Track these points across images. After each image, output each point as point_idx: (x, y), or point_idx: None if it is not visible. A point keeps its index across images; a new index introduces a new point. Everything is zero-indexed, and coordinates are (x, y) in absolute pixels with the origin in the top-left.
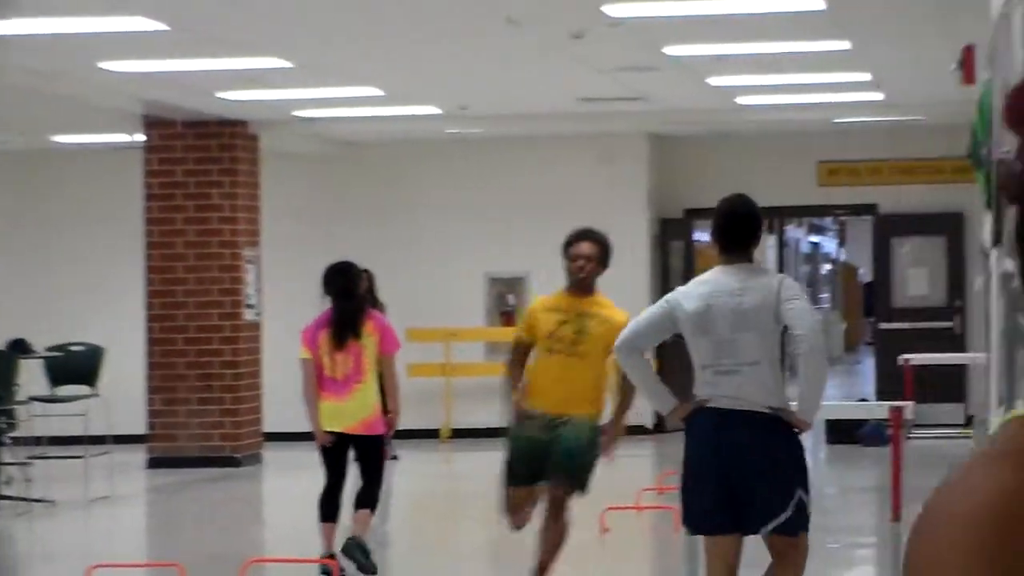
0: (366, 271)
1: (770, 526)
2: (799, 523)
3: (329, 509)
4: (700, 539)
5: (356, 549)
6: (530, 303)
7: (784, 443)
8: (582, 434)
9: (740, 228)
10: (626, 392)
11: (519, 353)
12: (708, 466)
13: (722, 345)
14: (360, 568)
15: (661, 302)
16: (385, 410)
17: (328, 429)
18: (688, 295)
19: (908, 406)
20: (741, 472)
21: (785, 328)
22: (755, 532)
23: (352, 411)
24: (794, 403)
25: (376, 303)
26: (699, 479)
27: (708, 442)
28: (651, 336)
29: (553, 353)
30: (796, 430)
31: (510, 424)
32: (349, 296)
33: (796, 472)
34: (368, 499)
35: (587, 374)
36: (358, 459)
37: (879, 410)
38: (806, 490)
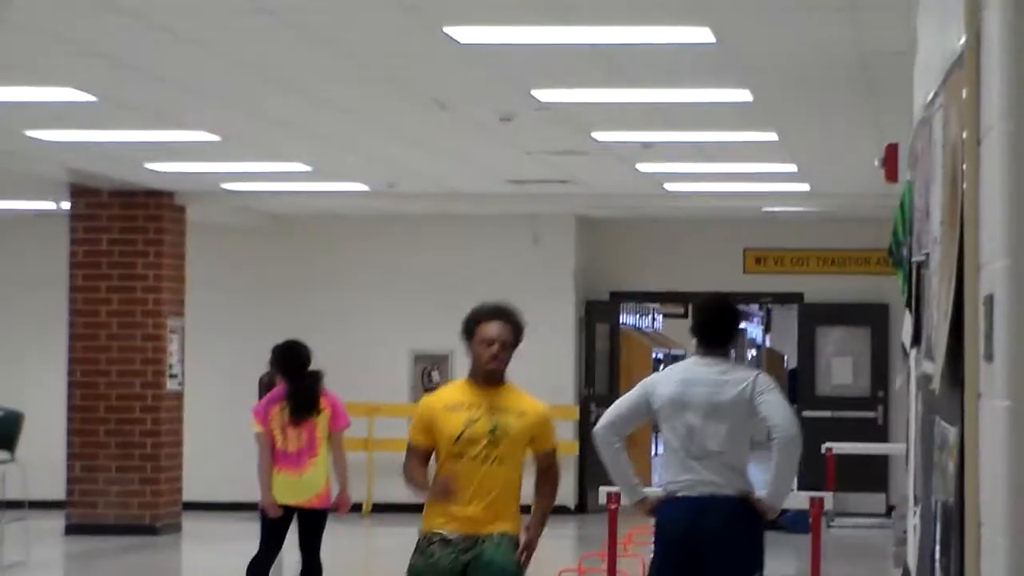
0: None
1: None
2: None
3: (260, 572)
4: None
5: None
6: (421, 399)
7: (749, 527)
8: (507, 558)
9: (720, 324)
10: (551, 495)
11: (416, 460)
12: (678, 554)
13: (694, 431)
14: None
15: (638, 387)
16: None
17: (282, 502)
18: (665, 381)
19: (827, 497)
20: (710, 555)
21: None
22: None
23: (307, 485)
24: (761, 490)
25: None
26: (669, 566)
27: (677, 529)
28: (630, 421)
29: (463, 459)
30: (760, 515)
31: (413, 557)
32: (302, 374)
33: (756, 556)
34: (316, 574)
35: (507, 481)
36: (303, 531)
37: (800, 499)
38: (762, 573)
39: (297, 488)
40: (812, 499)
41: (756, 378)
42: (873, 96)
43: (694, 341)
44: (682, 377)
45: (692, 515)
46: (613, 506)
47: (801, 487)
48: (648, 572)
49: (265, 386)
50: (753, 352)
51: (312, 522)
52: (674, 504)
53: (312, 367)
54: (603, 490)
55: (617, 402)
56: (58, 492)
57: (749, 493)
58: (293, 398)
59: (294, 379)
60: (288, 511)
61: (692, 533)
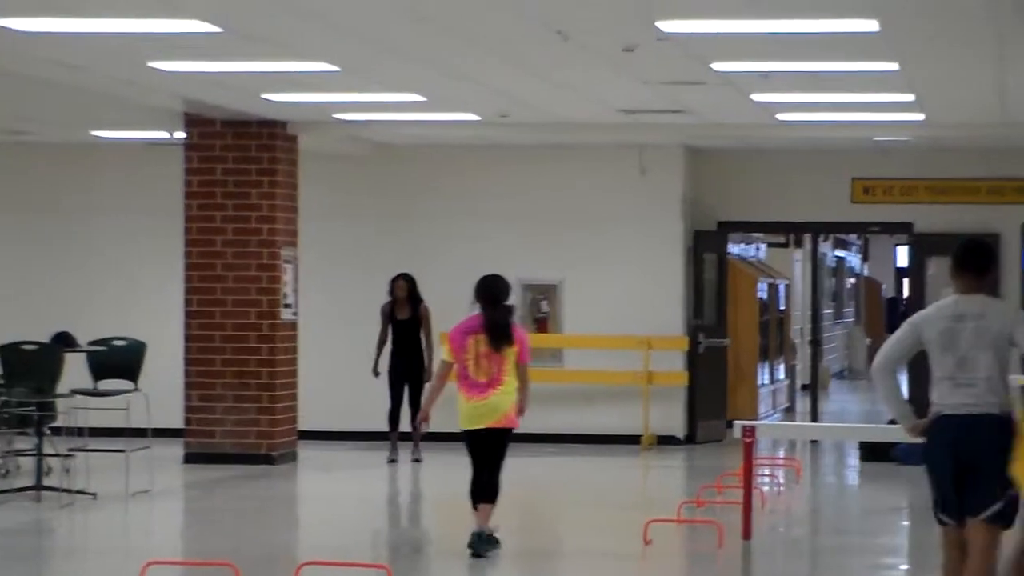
0: (405, 275)
1: (985, 514)
2: (1008, 515)
3: (478, 495)
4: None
5: (489, 542)
6: None
7: (1007, 443)
8: None
9: (982, 264)
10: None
11: None
12: (946, 465)
13: (965, 361)
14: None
15: (905, 326)
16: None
17: (473, 427)
18: (934, 318)
19: None
20: (972, 466)
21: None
22: (972, 517)
23: (494, 408)
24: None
25: (418, 305)
26: (940, 477)
27: (947, 444)
28: (903, 356)
29: None
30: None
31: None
32: (498, 305)
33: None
34: (492, 493)
35: None
36: (489, 449)
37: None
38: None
39: (489, 412)
40: None
41: (1017, 311)
42: (995, 23)
43: (956, 280)
44: (951, 313)
45: (960, 431)
46: (748, 439)
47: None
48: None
49: (386, 315)
50: (851, 281)
51: (500, 441)
52: (944, 422)
53: (419, 295)
54: (738, 423)
55: (889, 340)
56: (178, 421)
57: (1010, 412)
58: (491, 330)
59: (494, 310)
60: (483, 433)
61: (960, 446)
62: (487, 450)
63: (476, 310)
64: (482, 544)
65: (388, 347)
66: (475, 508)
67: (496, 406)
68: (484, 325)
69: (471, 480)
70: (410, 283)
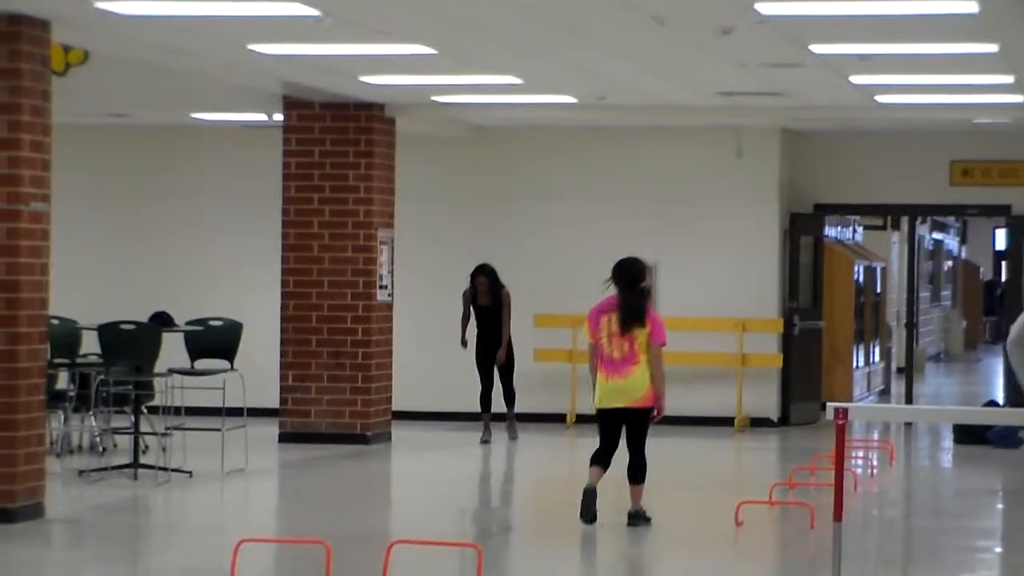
0: (484, 268)
1: None
2: None
3: (600, 460)
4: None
5: (640, 518)
6: None
7: None
8: None
9: None
10: None
11: None
12: None
13: None
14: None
15: None
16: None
17: (608, 406)
18: None
19: None
20: None
21: None
22: None
23: (633, 389)
24: None
25: (500, 291)
26: None
27: None
28: None
29: None
30: None
31: None
32: (634, 288)
33: None
34: (639, 474)
35: None
36: (629, 431)
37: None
38: None
39: (624, 391)
40: None
41: None
42: None
43: None
44: None
45: None
46: (840, 421)
47: (1008, 402)
48: None
49: (468, 300)
50: (949, 264)
51: (637, 422)
52: None
53: (500, 283)
54: (831, 406)
55: (1021, 316)
56: (273, 400)
57: None
58: (624, 310)
59: (627, 292)
60: (619, 413)
61: None
62: (619, 429)
63: (611, 291)
64: (638, 518)
65: (474, 330)
66: (591, 465)
67: (632, 386)
68: (617, 305)
69: (595, 451)
70: (490, 276)
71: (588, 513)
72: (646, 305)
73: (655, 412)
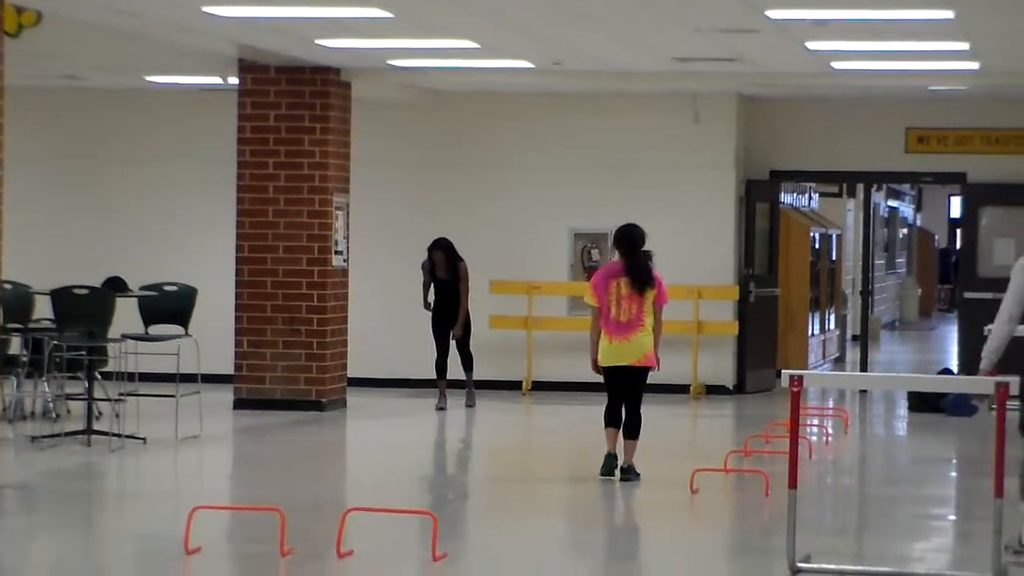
0: (441, 242)
1: None
2: None
3: (613, 419)
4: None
5: (631, 472)
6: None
7: None
8: None
9: None
10: None
11: None
12: None
13: None
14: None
15: (1016, 271)
16: None
17: (615, 364)
18: None
19: (1014, 381)
20: None
21: None
22: None
23: (636, 348)
24: None
25: (457, 265)
26: None
27: None
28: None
29: None
30: None
31: None
32: (635, 252)
33: None
34: (635, 429)
35: None
36: (628, 386)
37: (986, 386)
38: None
39: (627, 351)
40: (998, 384)
41: None
42: None
43: None
44: None
45: None
46: (795, 388)
47: (963, 370)
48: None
49: (427, 272)
50: (904, 231)
51: (639, 378)
52: None
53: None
54: (786, 373)
55: (1010, 287)
56: (229, 366)
57: None
58: (631, 273)
59: (631, 257)
60: (624, 370)
61: None
62: (625, 386)
63: (615, 257)
64: (630, 473)
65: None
66: (606, 427)
67: (637, 346)
68: (625, 269)
69: (606, 407)
70: (446, 251)
71: (607, 470)
72: (650, 267)
73: (655, 366)
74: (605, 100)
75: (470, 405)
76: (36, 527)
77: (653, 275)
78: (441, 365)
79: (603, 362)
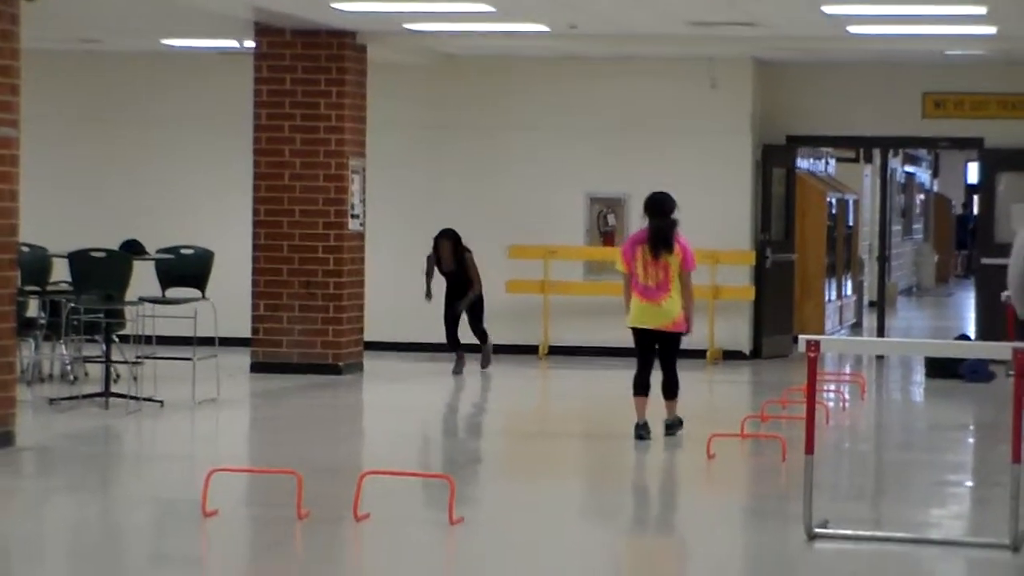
0: (447, 233)
1: None
2: None
3: (642, 387)
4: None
5: (675, 426)
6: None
7: None
8: None
9: None
10: None
11: None
12: None
13: None
14: (672, 433)
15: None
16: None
17: (641, 326)
18: None
19: None
20: None
21: None
22: None
23: (666, 313)
24: None
25: (463, 255)
26: None
27: None
28: None
29: None
30: None
31: None
32: (664, 217)
33: None
34: (672, 390)
35: None
36: (662, 350)
37: (1003, 351)
38: None
39: (657, 315)
40: (1015, 350)
41: None
42: None
43: None
44: None
45: None
46: (812, 353)
47: (980, 336)
48: None
49: (433, 261)
50: (921, 197)
51: (669, 344)
52: None
53: (673, 215)
54: (802, 338)
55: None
56: (245, 330)
57: None
58: (653, 239)
59: (655, 222)
60: (652, 334)
61: None
62: (653, 349)
63: (645, 223)
64: (674, 427)
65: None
66: (635, 396)
67: (665, 311)
68: (647, 235)
69: (635, 374)
70: (453, 240)
71: (641, 435)
72: (674, 232)
73: (686, 330)
74: (621, 64)
75: (485, 366)
76: (54, 489)
77: (672, 241)
78: (452, 336)
79: (632, 322)
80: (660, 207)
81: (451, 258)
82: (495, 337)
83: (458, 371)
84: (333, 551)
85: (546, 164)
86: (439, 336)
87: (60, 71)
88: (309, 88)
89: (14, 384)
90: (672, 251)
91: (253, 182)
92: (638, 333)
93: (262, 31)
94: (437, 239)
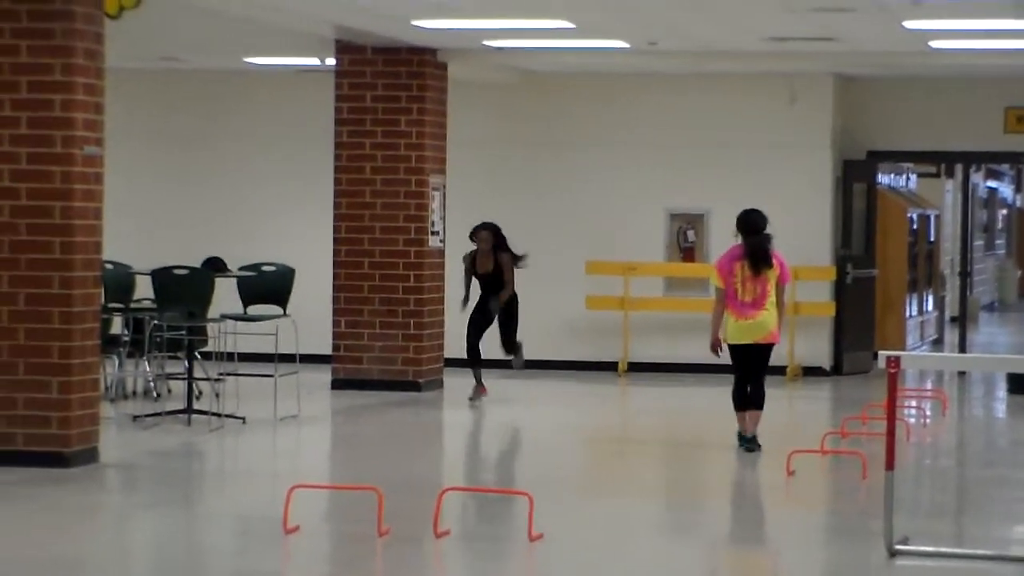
0: (488, 224)
1: None
2: None
3: (742, 401)
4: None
5: (754, 442)
6: None
7: None
8: None
9: None
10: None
11: None
12: None
13: None
14: (750, 450)
15: None
16: None
17: (742, 342)
18: None
19: None
20: None
21: None
22: None
23: (762, 326)
24: None
25: (500, 257)
26: None
27: None
28: None
29: None
30: None
31: None
32: (758, 234)
33: None
34: (759, 402)
35: None
36: (754, 363)
37: None
38: None
39: (756, 329)
40: None
41: None
42: None
43: None
44: None
45: None
46: (892, 369)
47: None
48: None
49: (469, 265)
50: (1003, 212)
51: (761, 356)
52: None
53: (507, 244)
54: (883, 354)
55: None
56: (326, 347)
57: None
58: (751, 255)
59: (752, 239)
60: (750, 348)
61: None
62: (752, 362)
63: (738, 240)
64: (752, 443)
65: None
66: (737, 411)
67: (762, 325)
68: (745, 252)
69: (733, 388)
70: (494, 232)
71: (750, 447)
72: (770, 249)
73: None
74: (700, 80)
75: (519, 367)
76: (137, 505)
77: (771, 257)
78: (473, 348)
79: (731, 340)
80: (754, 224)
81: (489, 256)
82: (573, 354)
83: (475, 399)
84: (413, 568)
85: (625, 180)
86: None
87: (143, 89)
88: (390, 105)
89: (98, 401)
90: (771, 266)
91: (334, 199)
92: (738, 349)
93: (343, 48)
94: (475, 231)
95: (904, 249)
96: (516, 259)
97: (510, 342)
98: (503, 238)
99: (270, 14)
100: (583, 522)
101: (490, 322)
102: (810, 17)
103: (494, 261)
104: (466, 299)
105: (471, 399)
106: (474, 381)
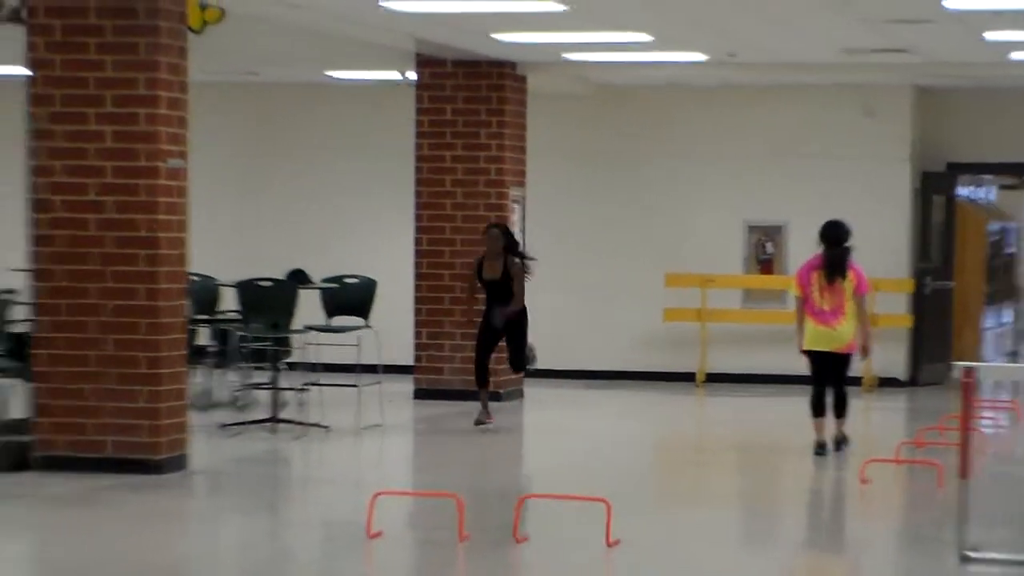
0: (499, 224)
1: None
2: None
3: (819, 408)
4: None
5: (843, 443)
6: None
7: None
8: None
9: None
10: None
11: None
12: None
13: None
14: (840, 450)
15: None
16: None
17: (817, 349)
18: None
19: None
20: None
21: None
22: None
23: (840, 336)
24: None
25: (508, 263)
26: None
27: None
28: None
29: None
30: None
31: None
32: (838, 245)
33: None
34: (843, 409)
35: None
36: (835, 370)
37: None
38: None
39: (832, 338)
40: None
41: None
42: None
43: None
44: None
45: None
46: (967, 380)
47: None
48: None
49: (475, 272)
50: None
51: (840, 365)
52: None
53: (520, 248)
54: (958, 365)
55: None
56: (408, 357)
57: None
58: (828, 265)
59: (831, 251)
60: (827, 356)
61: None
62: (828, 370)
63: (820, 250)
64: (842, 442)
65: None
66: (814, 418)
67: (839, 334)
68: (823, 262)
69: (812, 394)
70: (504, 233)
71: (820, 452)
72: (848, 259)
73: (862, 352)
74: (778, 92)
75: (531, 366)
76: (225, 510)
77: (846, 267)
78: (482, 367)
79: (807, 345)
80: (835, 235)
81: (497, 258)
82: (651, 363)
83: (481, 422)
84: (494, 573)
85: (703, 192)
86: (598, 363)
87: (225, 103)
88: (470, 118)
89: (186, 409)
90: (846, 277)
91: (415, 212)
92: (813, 356)
93: (424, 62)
94: (487, 229)
95: (982, 261)
96: (525, 261)
97: (518, 360)
98: (515, 241)
99: (352, 28)
100: (660, 529)
101: (499, 337)
102: (885, 29)
103: (503, 266)
104: (468, 311)
105: (477, 423)
106: (480, 405)
